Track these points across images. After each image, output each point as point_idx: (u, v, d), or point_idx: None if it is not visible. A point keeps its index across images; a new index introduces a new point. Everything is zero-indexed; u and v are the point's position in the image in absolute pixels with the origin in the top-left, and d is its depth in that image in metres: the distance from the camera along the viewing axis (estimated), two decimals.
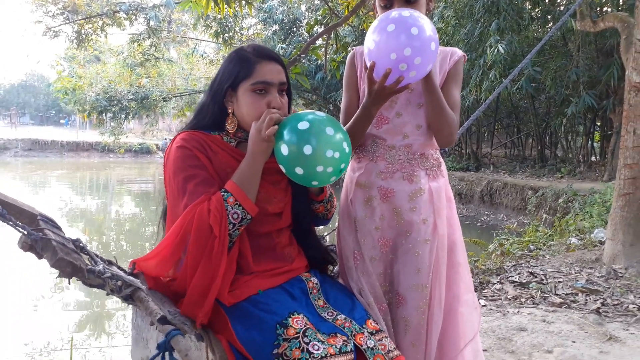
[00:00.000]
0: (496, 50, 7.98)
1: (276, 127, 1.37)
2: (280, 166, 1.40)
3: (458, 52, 1.72)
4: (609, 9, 8.80)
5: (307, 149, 1.36)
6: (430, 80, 1.57)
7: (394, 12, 1.47)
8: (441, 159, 1.75)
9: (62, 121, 53.45)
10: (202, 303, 1.31)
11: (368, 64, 1.49)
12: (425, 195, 1.64)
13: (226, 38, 11.76)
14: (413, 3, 1.59)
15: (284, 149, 1.38)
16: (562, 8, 10.06)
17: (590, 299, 3.63)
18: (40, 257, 1.24)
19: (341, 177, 1.55)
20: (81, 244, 1.35)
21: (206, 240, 1.30)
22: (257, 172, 1.40)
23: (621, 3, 8.63)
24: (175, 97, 17.12)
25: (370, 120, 1.64)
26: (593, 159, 11.59)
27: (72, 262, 1.21)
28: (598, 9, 8.97)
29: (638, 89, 4.11)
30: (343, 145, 1.42)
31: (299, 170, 1.39)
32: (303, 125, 1.38)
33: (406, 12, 1.47)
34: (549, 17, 10.25)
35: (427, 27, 1.46)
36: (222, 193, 1.36)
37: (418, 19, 1.44)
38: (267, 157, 1.40)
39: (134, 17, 11.75)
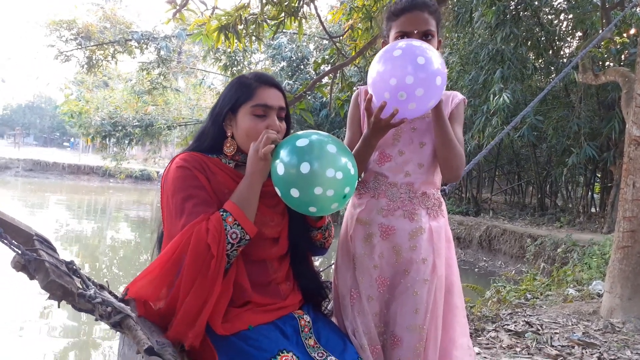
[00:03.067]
0: (500, 98, 8.10)
1: (272, 146, 1.36)
2: (276, 189, 1.35)
3: (459, 96, 1.74)
4: (611, 64, 8.99)
5: (305, 167, 1.25)
6: (441, 114, 1.58)
7: (404, 41, 1.48)
8: (442, 199, 1.75)
9: (65, 143, 53.74)
10: (193, 324, 1.28)
11: (370, 91, 1.49)
12: (426, 234, 1.63)
13: (235, 71, 11.96)
14: (428, 41, 1.60)
15: (280, 169, 1.30)
16: (565, 60, 10.27)
17: (586, 352, 3.56)
18: (32, 278, 1.22)
19: (341, 212, 1.51)
20: (74, 267, 1.33)
21: (203, 260, 1.28)
22: (255, 193, 1.40)
23: (623, 58, 8.81)
24: (179, 126, 17.27)
25: (370, 152, 1.65)
26: (593, 210, 11.59)
27: (63, 285, 1.20)
28: (600, 62, 9.15)
29: (638, 143, 4.15)
30: (347, 166, 1.30)
31: (294, 192, 1.28)
32: (302, 143, 1.30)
33: (417, 42, 1.47)
34: (552, 68, 10.44)
35: (436, 60, 1.41)
36: (221, 212, 1.35)
37: (427, 50, 1.42)
38: (264, 177, 1.40)
39: (145, 46, 11.99)
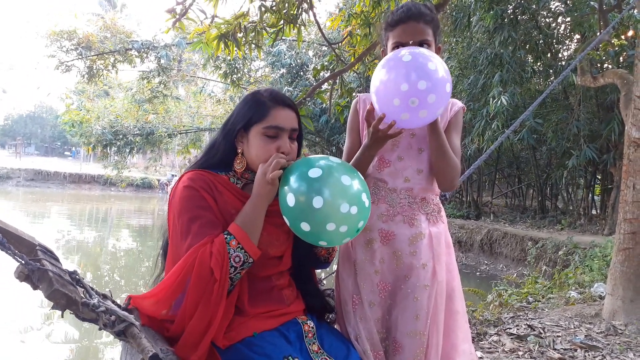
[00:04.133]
0: (499, 101, 8.11)
1: (281, 171, 1.34)
2: (285, 218, 1.31)
3: (458, 103, 1.75)
4: (609, 66, 9.00)
5: (318, 202, 1.18)
6: (436, 124, 1.58)
7: (407, 48, 1.47)
8: (441, 205, 1.76)
9: (67, 153, 53.85)
10: (197, 346, 1.29)
11: (373, 100, 1.48)
12: (425, 240, 1.64)
13: (234, 79, 11.99)
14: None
15: (290, 199, 1.24)
16: (563, 63, 10.29)
17: (589, 355, 3.56)
18: (35, 287, 1.23)
19: None
20: (77, 277, 1.34)
21: (206, 284, 1.29)
22: (260, 215, 1.40)
23: (621, 60, 8.82)
24: (180, 133, 17.30)
25: (369, 161, 1.66)
26: (594, 212, 11.58)
27: (67, 294, 1.21)
28: (598, 65, 9.16)
29: (637, 145, 4.16)
30: (362, 198, 1.23)
31: (305, 227, 1.23)
32: (314, 173, 1.22)
33: (422, 49, 1.47)
34: (551, 71, 10.46)
35: (442, 67, 1.40)
36: (225, 236, 1.35)
37: (433, 56, 1.42)
38: (270, 200, 1.40)
39: (145, 55, 12.03)
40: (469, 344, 1.69)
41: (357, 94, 1.85)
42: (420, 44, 1.61)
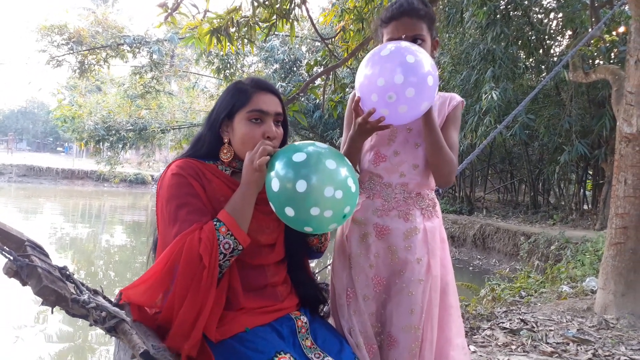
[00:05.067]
0: (490, 96, 8.14)
1: (268, 157, 1.33)
2: (271, 204, 1.30)
3: (457, 98, 1.75)
4: (601, 62, 9.04)
5: (301, 185, 1.17)
6: (430, 119, 1.57)
7: (392, 42, 1.46)
8: (436, 200, 1.76)
9: (59, 148, 53.49)
10: (189, 335, 1.28)
11: (357, 94, 1.47)
12: (420, 234, 1.64)
13: (227, 74, 11.94)
14: (419, 46, 1.58)
15: (275, 184, 1.22)
16: (555, 59, 10.33)
17: (581, 349, 3.58)
18: (24, 284, 1.22)
19: None
20: (67, 272, 1.34)
21: (195, 270, 1.28)
22: (249, 202, 1.39)
23: (612, 56, 8.87)
24: (173, 129, 17.22)
25: (357, 152, 1.66)
26: (585, 207, 11.66)
27: (56, 290, 1.20)
28: (590, 61, 9.20)
29: (629, 140, 4.18)
30: (348, 183, 1.21)
31: (289, 211, 1.21)
32: (299, 157, 1.21)
33: (406, 43, 1.45)
34: (543, 67, 10.50)
35: (426, 61, 1.37)
36: (215, 222, 1.34)
37: (417, 51, 1.39)
38: (259, 187, 1.38)
39: (137, 50, 11.94)
40: (463, 338, 1.70)
41: (352, 89, 1.85)
42: (414, 39, 1.60)
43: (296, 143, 1.33)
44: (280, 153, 1.30)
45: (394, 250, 1.63)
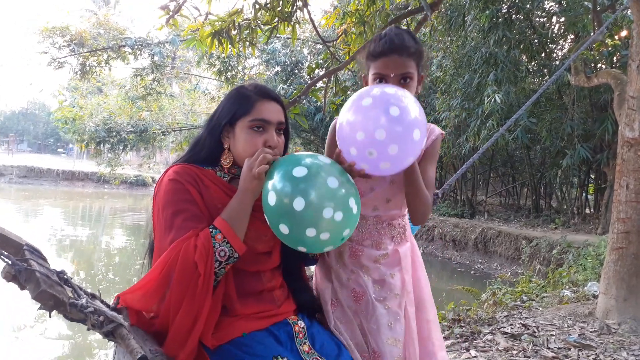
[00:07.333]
0: (493, 100, 8.13)
1: (267, 166, 1.32)
2: (266, 217, 1.26)
3: (436, 131, 1.70)
4: (603, 66, 9.03)
5: (299, 203, 1.09)
6: (413, 171, 1.52)
7: (377, 87, 1.37)
8: (407, 226, 1.77)
9: (60, 150, 53.54)
10: (184, 343, 1.27)
11: (338, 143, 1.39)
12: (390, 257, 1.68)
13: (229, 77, 11.95)
14: (406, 84, 1.55)
15: (271, 198, 1.16)
16: (557, 62, 10.31)
17: (582, 354, 3.57)
18: (22, 288, 1.21)
19: None
20: (65, 276, 1.32)
21: (190, 278, 1.26)
22: (246, 210, 1.37)
23: (615, 60, 8.86)
24: (174, 131, 17.23)
25: None
26: (587, 211, 11.63)
27: (54, 295, 1.19)
28: (592, 65, 9.19)
29: (631, 144, 4.17)
30: (349, 204, 1.12)
31: (284, 229, 1.15)
32: (299, 172, 1.14)
33: (391, 88, 1.36)
34: (545, 70, 10.49)
35: (413, 109, 1.25)
36: (211, 229, 1.32)
37: (402, 98, 1.29)
38: (256, 195, 1.37)
39: (138, 52, 11.97)
40: (444, 352, 1.73)
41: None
42: (403, 77, 1.56)
43: (297, 153, 1.28)
44: (280, 163, 1.26)
45: (367, 268, 1.66)
